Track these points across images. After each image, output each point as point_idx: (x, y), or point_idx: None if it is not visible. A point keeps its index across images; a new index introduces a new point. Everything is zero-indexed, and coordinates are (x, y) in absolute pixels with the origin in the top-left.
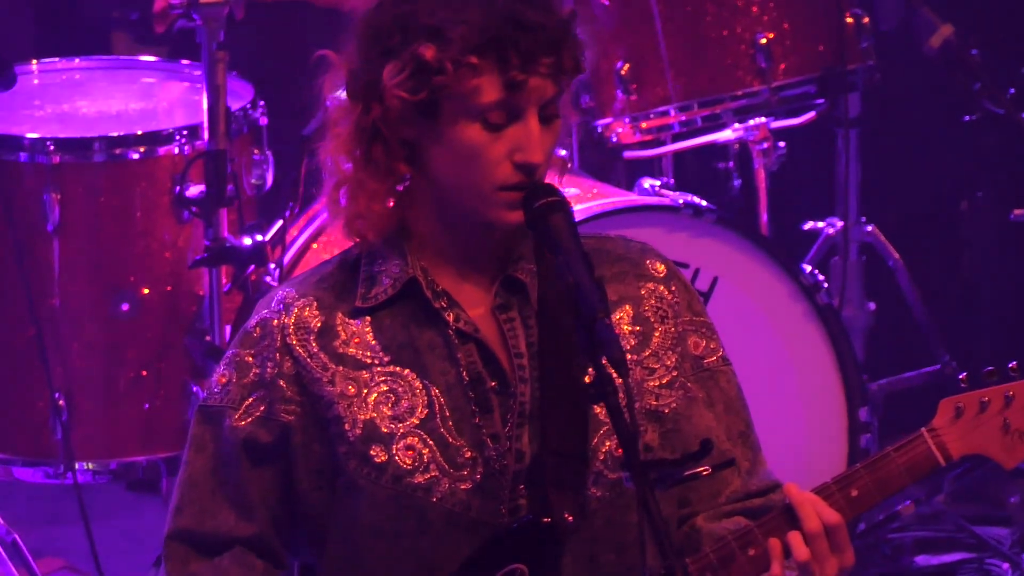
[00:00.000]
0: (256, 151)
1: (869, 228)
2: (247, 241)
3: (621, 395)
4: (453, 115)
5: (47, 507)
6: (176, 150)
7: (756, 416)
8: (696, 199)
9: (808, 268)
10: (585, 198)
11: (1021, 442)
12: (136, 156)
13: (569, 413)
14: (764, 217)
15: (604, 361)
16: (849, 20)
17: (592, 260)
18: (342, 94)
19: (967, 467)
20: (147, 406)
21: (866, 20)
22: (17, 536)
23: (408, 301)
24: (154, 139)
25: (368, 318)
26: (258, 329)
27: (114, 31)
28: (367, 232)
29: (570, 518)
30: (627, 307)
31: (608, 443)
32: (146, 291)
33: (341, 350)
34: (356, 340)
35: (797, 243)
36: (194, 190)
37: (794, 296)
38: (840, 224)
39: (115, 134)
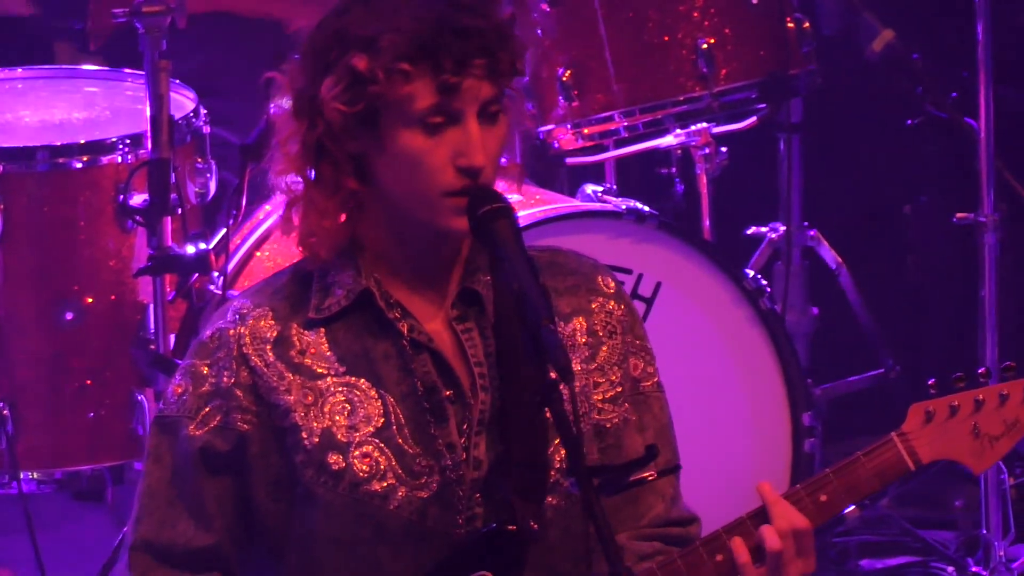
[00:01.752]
0: (199, 160)
1: (812, 233)
2: (191, 249)
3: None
4: (392, 124)
5: None
6: (119, 159)
7: (701, 422)
8: (639, 205)
9: (751, 273)
10: (528, 204)
11: (991, 447)
12: (79, 165)
13: (528, 422)
14: (707, 222)
15: (549, 367)
16: (790, 25)
17: (545, 272)
18: (286, 104)
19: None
20: (92, 415)
21: (807, 25)
22: None
23: (362, 312)
24: (97, 148)
25: (323, 329)
26: (214, 339)
27: (56, 41)
28: (319, 249)
29: (535, 526)
30: (580, 319)
31: (563, 452)
32: (90, 300)
33: (297, 360)
34: (312, 351)
35: (740, 248)
36: (137, 199)
37: (737, 301)
38: (783, 229)
39: (58, 143)
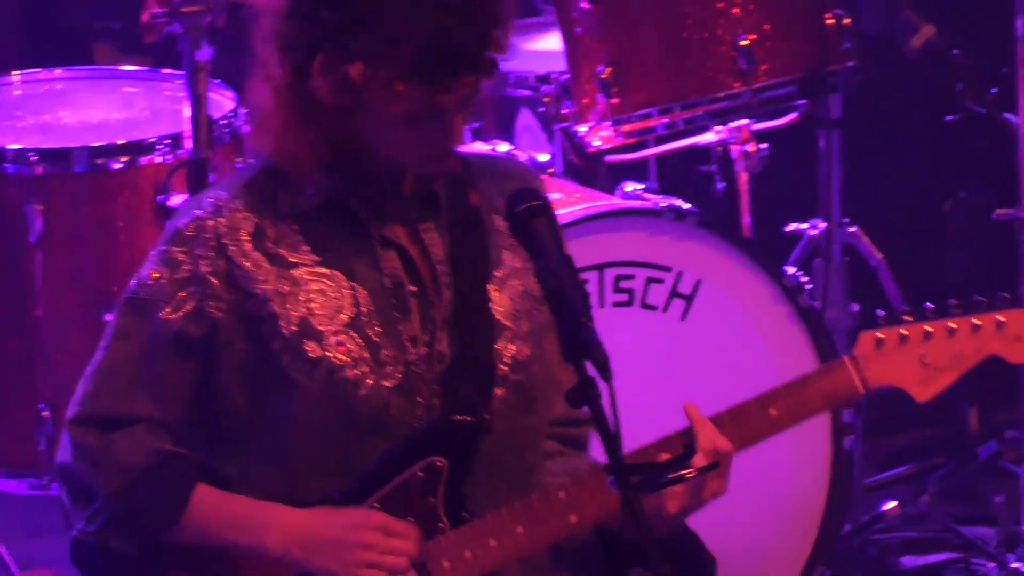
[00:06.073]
0: (239, 160)
1: (852, 229)
2: None
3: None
4: (375, 114)
5: (32, 519)
6: (158, 159)
7: None
8: (678, 202)
9: (791, 270)
10: (568, 202)
11: (936, 377)
12: (119, 166)
13: (479, 318)
14: (747, 219)
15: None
16: (830, 21)
17: (486, 178)
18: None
19: (951, 467)
20: None
21: (847, 21)
22: (3, 548)
23: (333, 210)
24: (136, 149)
25: (296, 224)
26: (191, 228)
27: (96, 41)
28: (300, 154)
29: (488, 416)
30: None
31: (511, 347)
32: None
33: (273, 250)
34: (286, 240)
35: (780, 245)
36: (177, 199)
37: (777, 298)
38: (823, 225)
39: (97, 144)
